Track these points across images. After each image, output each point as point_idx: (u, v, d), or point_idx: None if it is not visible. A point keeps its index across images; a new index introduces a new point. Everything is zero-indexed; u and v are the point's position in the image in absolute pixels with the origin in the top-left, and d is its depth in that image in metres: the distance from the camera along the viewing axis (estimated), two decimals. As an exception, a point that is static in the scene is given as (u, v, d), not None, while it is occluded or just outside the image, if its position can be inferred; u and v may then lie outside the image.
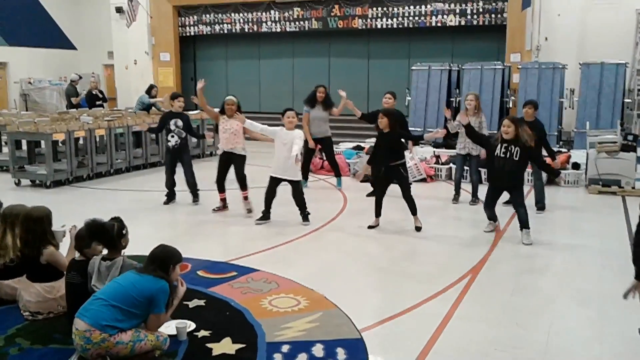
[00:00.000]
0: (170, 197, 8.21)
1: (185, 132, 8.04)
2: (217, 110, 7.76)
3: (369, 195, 8.64)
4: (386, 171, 6.84)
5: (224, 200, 7.73)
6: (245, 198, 7.57)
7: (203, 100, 7.88)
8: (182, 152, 8.10)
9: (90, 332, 3.46)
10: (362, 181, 9.73)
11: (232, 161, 7.53)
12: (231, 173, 7.62)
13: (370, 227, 6.92)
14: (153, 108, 12.84)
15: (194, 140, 9.45)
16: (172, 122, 8.00)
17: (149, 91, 13.09)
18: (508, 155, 6.13)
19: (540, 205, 7.82)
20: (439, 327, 4.21)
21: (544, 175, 8.02)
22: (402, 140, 7.04)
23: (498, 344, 3.96)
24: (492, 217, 6.68)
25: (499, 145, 6.20)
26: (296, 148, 6.79)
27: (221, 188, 7.67)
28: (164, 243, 3.90)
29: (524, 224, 6.36)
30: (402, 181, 6.80)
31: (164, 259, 3.74)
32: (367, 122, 8.65)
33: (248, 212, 7.49)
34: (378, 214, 6.94)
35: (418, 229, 6.80)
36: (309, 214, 7.17)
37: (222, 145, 7.51)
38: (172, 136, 7.98)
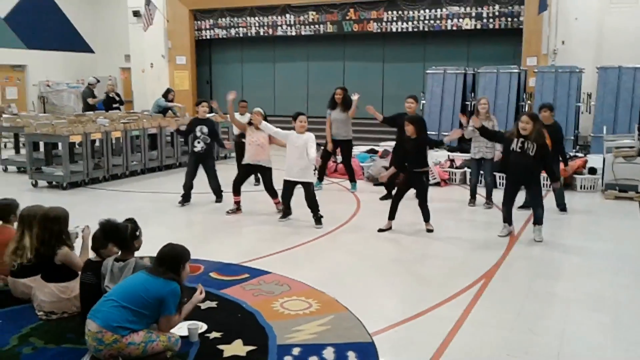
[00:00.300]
0: (186, 198, 8.31)
1: (210, 138, 8.19)
2: (245, 121, 7.94)
3: (382, 198, 8.65)
4: (409, 176, 6.89)
5: (238, 203, 7.82)
6: (277, 203, 7.69)
7: (232, 112, 8.03)
8: (207, 157, 8.29)
9: (102, 334, 3.49)
10: (375, 184, 9.78)
11: (256, 171, 7.76)
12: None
13: (380, 230, 6.92)
14: (169, 112, 12.95)
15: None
16: (197, 128, 8.18)
17: (165, 95, 13.19)
18: (524, 150, 6.23)
19: (562, 206, 7.88)
20: (451, 332, 4.18)
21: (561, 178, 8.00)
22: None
23: (510, 349, 3.92)
24: (508, 217, 6.65)
25: (515, 140, 6.30)
26: (312, 151, 6.91)
27: (237, 191, 7.78)
28: (171, 242, 3.91)
29: (538, 220, 6.50)
30: (421, 188, 6.86)
31: (173, 259, 3.74)
32: (389, 125, 8.71)
33: (279, 212, 7.57)
34: (392, 217, 6.94)
35: (429, 231, 6.87)
36: (321, 217, 7.19)
37: (247, 157, 7.62)
38: (199, 142, 8.16)
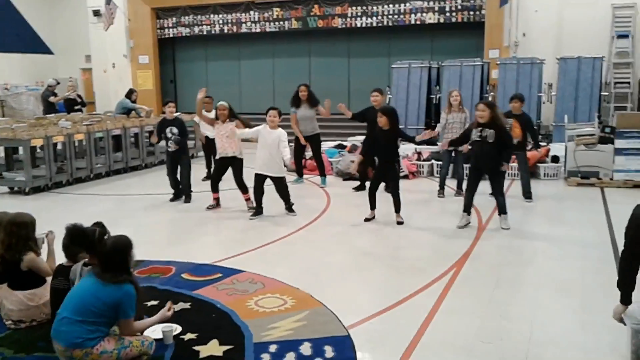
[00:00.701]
0: (177, 195, 8.44)
1: (181, 138, 8.20)
2: (212, 116, 8.02)
3: (355, 189, 8.76)
4: (380, 167, 7.01)
5: (217, 199, 7.93)
6: (247, 199, 7.70)
7: (200, 109, 8.09)
8: (181, 154, 8.31)
9: (70, 352, 3.42)
10: (345, 179, 9.84)
11: (228, 165, 7.73)
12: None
13: (366, 219, 7.03)
14: (133, 112, 12.71)
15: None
16: (167, 129, 8.21)
17: (129, 95, 12.94)
18: (483, 139, 6.37)
19: (528, 194, 8.05)
20: (425, 321, 4.24)
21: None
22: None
23: (484, 336, 3.99)
24: (469, 205, 6.72)
25: (474, 130, 6.46)
26: (286, 152, 6.98)
27: (215, 189, 7.88)
28: (112, 236, 3.74)
29: (502, 210, 6.65)
30: (393, 178, 6.99)
31: (119, 256, 3.56)
32: (359, 121, 8.78)
33: (250, 210, 7.58)
34: (373, 206, 7.05)
35: (399, 223, 6.93)
36: (292, 204, 7.35)
37: (218, 151, 7.69)
38: (171, 142, 8.19)
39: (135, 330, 3.65)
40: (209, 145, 9.07)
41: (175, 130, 8.18)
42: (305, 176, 10.07)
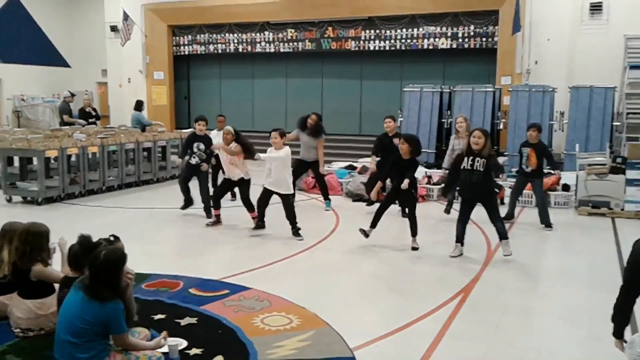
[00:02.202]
0: (188, 203, 8.61)
1: (206, 155, 8.40)
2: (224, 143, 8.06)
3: (369, 204, 8.71)
4: (394, 191, 6.94)
5: (218, 216, 7.95)
6: (254, 218, 7.68)
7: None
8: (201, 170, 8.40)
9: None
10: (354, 200, 9.85)
11: (235, 185, 7.87)
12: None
13: (361, 230, 6.93)
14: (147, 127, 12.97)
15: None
16: (195, 145, 8.39)
17: (139, 107, 13.23)
18: (474, 167, 6.28)
19: (547, 223, 7.97)
20: (431, 346, 4.22)
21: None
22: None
23: (489, 363, 3.97)
24: (461, 236, 6.61)
25: (466, 158, 6.36)
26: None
27: (217, 205, 7.93)
28: (105, 248, 3.60)
29: (503, 236, 6.51)
30: (412, 204, 6.94)
31: (110, 271, 3.44)
32: (380, 152, 8.72)
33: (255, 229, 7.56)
34: (374, 225, 6.93)
35: (414, 249, 6.85)
36: (299, 229, 7.30)
37: (225, 173, 7.88)
38: (194, 157, 8.37)
39: (129, 344, 3.56)
40: (218, 164, 9.10)
41: (202, 146, 8.38)
42: (314, 196, 10.09)
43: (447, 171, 8.06)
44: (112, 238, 3.93)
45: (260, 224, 7.45)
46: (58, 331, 3.50)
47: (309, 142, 9.07)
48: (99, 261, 3.46)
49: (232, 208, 8.13)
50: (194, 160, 8.37)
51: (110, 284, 3.44)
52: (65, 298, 3.60)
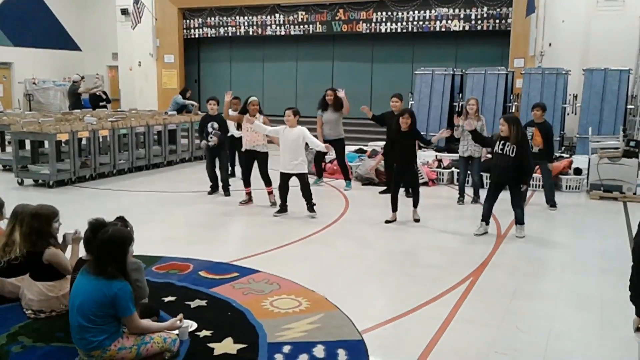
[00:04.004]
0: (214, 188, 8.82)
1: (221, 133, 8.59)
2: (236, 113, 8.33)
3: (382, 192, 8.85)
4: (399, 170, 7.25)
5: (249, 194, 8.16)
6: (270, 193, 7.94)
7: (227, 110, 8.40)
8: (220, 149, 8.67)
9: (89, 355, 3.48)
10: (364, 184, 9.85)
11: (255, 158, 7.97)
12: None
13: (387, 221, 7.20)
14: (184, 109, 13.20)
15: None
16: (209, 124, 8.62)
17: (183, 93, 13.56)
18: (505, 152, 6.44)
19: (552, 203, 8.11)
20: (440, 330, 4.22)
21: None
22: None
23: (498, 347, 3.97)
24: (487, 215, 6.79)
25: (498, 142, 6.55)
26: (314, 141, 7.34)
27: (247, 183, 8.13)
28: (112, 226, 3.66)
29: (519, 221, 6.73)
30: (413, 177, 7.26)
31: (117, 247, 3.48)
32: (377, 123, 8.97)
33: (272, 205, 7.86)
34: (395, 208, 7.24)
35: (416, 220, 7.17)
36: (314, 204, 7.46)
37: (245, 144, 7.95)
38: (211, 137, 8.60)
39: (141, 327, 3.58)
40: (233, 144, 9.22)
41: (215, 125, 8.59)
42: (325, 179, 10.09)
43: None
44: (119, 223, 3.94)
45: (283, 207, 7.56)
46: (70, 317, 3.54)
47: (333, 118, 9.25)
48: (105, 236, 3.52)
49: (242, 190, 8.14)
50: (212, 142, 8.59)
51: (114, 260, 3.46)
52: (74, 284, 3.63)
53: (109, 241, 3.51)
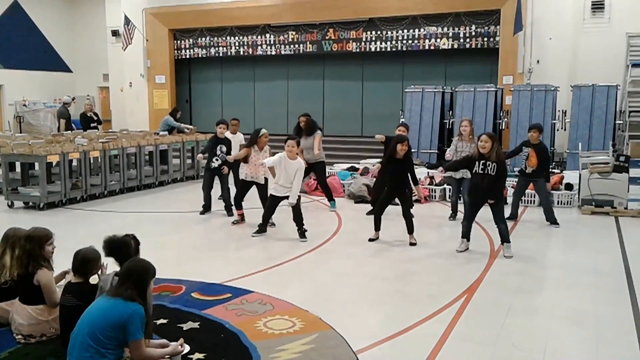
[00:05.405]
0: (207, 208, 8.90)
1: (226, 156, 8.67)
2: (236, 140, 8.70)
3: (369, 213, 8.74)
4: (390, 193, 7.17)
5: (241, 215, 8.23)
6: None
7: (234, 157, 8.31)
8: (222, 173, 8.74)
9: None
10: (356, 202, 9.84)
11: (252, 185, 8.06)
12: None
13: (370, 239, 7.18)
14: (174, 130, 13.10)
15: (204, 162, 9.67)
16: (217, 147, 8.69)
17: (174, 114, 13.40)
18: (486, 171, 6.41)
19: (553, 220, 8.11)
20: (436, 348, 4.18)
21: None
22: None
23: (494, 365, 3.94)
24: (467, 233, 6.79)
25: (477, 162, 6.47)
26: (295, 190, 7.19)
27: (239, 206, 8.18)
28: (138, 257, 3.79)
29: (505, 239, 6.63)
30: (406, 200, 7.16)
31: (140, 274, 3.59)
32: (385, 146, 8.78)
33: (271, 226, 7.85)
34: (377, 228, 7.22)
35: (412, 244, 7.06)
36: (305, 230, 7.35)
37: (246, 174, 8.00)
38: (216, 159, 8.70)
39: (144, 355, 3.53)
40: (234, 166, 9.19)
41: (224, 148, 8.72)
42: (317, 198, 10.07)
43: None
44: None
45: (262, 228, 7.51)
46: (73, 337, 3.48)
47: (306, 143, 9.17)
48: (133, 263, 3.68)
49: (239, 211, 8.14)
50: (216, 163, 8.66)
51: (136, 285, 3.54)
52: (91, 304, 3.62)
53: (137, 265, 3.64)
